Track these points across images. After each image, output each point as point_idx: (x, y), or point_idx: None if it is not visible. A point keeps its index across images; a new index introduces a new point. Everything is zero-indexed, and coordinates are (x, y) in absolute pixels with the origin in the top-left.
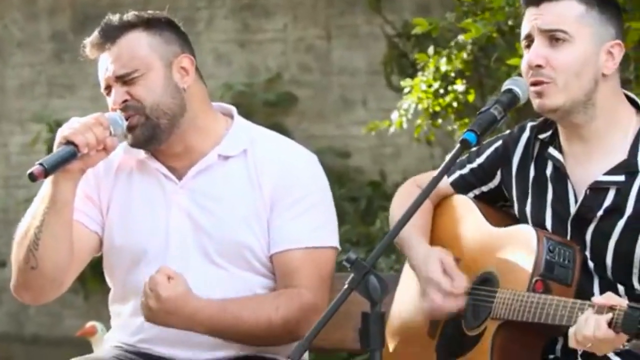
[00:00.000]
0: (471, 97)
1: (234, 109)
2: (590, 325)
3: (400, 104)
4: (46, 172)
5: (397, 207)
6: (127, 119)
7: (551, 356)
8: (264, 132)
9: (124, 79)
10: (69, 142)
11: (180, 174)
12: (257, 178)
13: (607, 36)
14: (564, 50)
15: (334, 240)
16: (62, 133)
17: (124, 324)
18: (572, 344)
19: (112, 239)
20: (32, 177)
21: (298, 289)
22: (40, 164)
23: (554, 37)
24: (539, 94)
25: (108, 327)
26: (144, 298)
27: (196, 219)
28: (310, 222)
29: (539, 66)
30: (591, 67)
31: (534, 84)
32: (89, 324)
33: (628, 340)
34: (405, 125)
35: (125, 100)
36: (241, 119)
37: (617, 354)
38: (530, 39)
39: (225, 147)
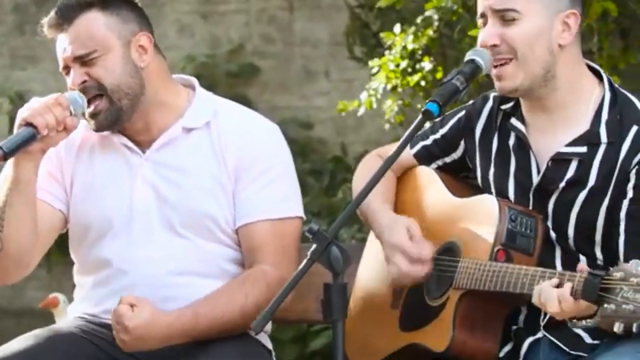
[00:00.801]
0: (439, 75)
1: (195, 81)
2: (552, 292)
3: (370, 84)
4: (5, 156)
5: (360, 178)
6: (89, 102)
7: (514, 327)
8: (227, 104)
9: (83, 60)
10: (28, 124)
11: (144, 147)
12: (221, 150)
13: (561, 6)
14: (516, 27)
15: (299, 210)
16: (21, 115)
17: (87, 295)
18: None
19: (77, 214)
20: None
21: (262, 266)
22: (0, 148)
23: (505, 17)
24: (499, 77)
25: (70, 298)
26: (115, 332)
27: (160, 191)
28: (275, 193)
29: (494, 46)
30: (545, 39)
31: (495, 67)
32: (52, 295)
33: (590, 317)
34: (375, 106)
35: (84, 81)
36: (203, 91)
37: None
38: (485, 18)
39: (188, 120)
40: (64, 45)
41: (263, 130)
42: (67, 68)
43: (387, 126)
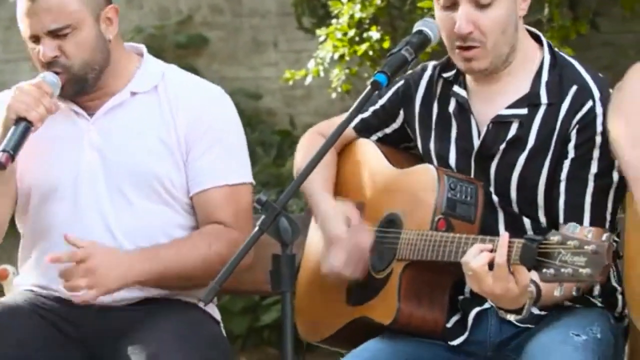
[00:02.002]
0: (386, 44)
1: (143, 47)
2: (478, 257)
3: (317, 53)
4: (13, 157)
5: (301, 157)
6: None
7: (460, 297)
8: (174, 69)
9: (56, 33)
10: (20, 118)
11: (92, 111)
12: (171, 114)
13: None
14: (491, 12)
15: (249, 176)
16: (12, 109)
17: (34, 265)
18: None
19: (24, 179)
20: (2, 166)
21: (222, 225)
22: (4, 151)
23: (479, 2)
24: (468, 59)
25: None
26: (72, 281)
27: (107, 155)
28: (228, 160)
29: (469, 33)
30: (513, 18)
31: (463, 48)
32: (1, 267)
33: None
34: (322, 74)
35: (56, 56)
36: (151, 57)
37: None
38: (455, 5)
39: (136, 84)
40: (35, 14)
41: (214, 97)
42: (35, 37)
43: (334, 95)
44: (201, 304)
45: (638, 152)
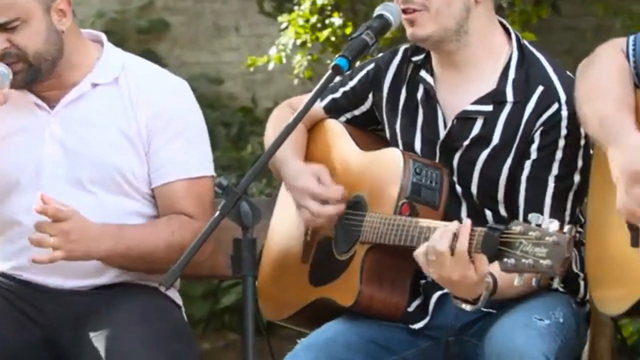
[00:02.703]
0: (348, 30)
1: (103, 36)
2: (446, 236)
3: (280, 39)
4: None
5: (271, 129)
6: (8, 66)
7: (422, 281)
8: (135, 60)
9: (4, 27)
10: None
11: (53, 103)
12: (132, 105)
13: None
14: None
15: (211, 169)
16: None
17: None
18: (420, 259)
19: None
20: None
21: (186, 216)
22: None
23: None
24: (411, 22)
25: None
26: (45, 242)
27: (68, 147)
28: (190, 152)
29: None
30: None
31: (406, 11)
32: None
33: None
34: (284, 61)
35: (6, 48)
36: (111, 46)
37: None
38: None
39: (97, 75)
40: None
41: (175, 89)
42: None
43: (295, 81)
44: (162, 289)
45: (588, 107)
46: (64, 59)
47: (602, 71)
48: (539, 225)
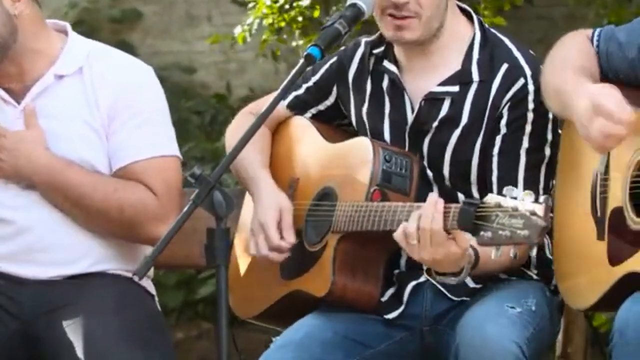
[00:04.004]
0: (316, 13)
1: (68, 26)
2: (413, 218)
3: (245, 19)
4: None
5: (232, 135)
6: None
7: (396, 271)
8: (100, 47)
9: None
10: None
11: (18, 97)
12: (94, 95)
13: None
14: None
15: (174, 149)
16: None
17: None
18: (402, 244)
19: None
20: None
21: (151, 193)
22: None
23: None
24: (399, 28)
25: None
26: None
27: None
28: (149, 134)
29: (405, 2)
30: None
31: (395, 16)
32: None
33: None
34: (248, 40)
35: None
36: (76, 36)
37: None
38: None
39: (60, 67)
40: None
41: (136, 72)
42: None
43: (262, 62)
44: (136, 278)
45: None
46: (21, 46)
47: (567, 51)
48: (514, 198)
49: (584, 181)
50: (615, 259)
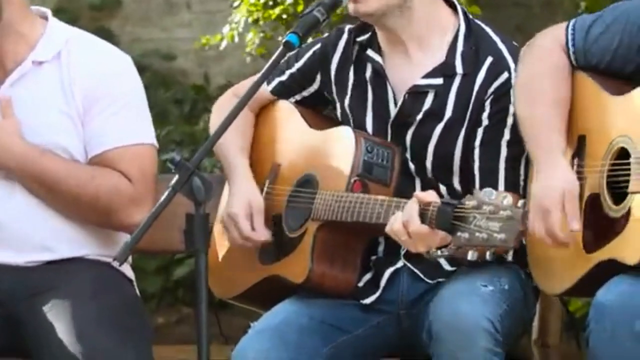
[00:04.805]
0: (300, 8)
1: (48, 11)
2: (398, 219)
3: (232, 17)
4: None
5: (216, 117)
6: None
7: (373, 257)
8: (79, 33)
9: None
10: None
11: None
12: (70, 83)
13: None
14: None
15: (151, 137)
16: None
17: None
18: (392, 235)
19: None
20: None
21: (126, 179)
22: None
23: None
24: (356, 0)
25: None
26: None
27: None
28: (125, 122)
29: None
30: None
31: None
32: None
33: (445, 246)
34: (237, 39)
35: None
36: (56, 22)
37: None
38: None
39: (39, 53)
40: None
41: (114, 61)
42: None
43: (248, 59)
44: (115, 264)
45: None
46: (6, 27)
47: (538, 69)
48: (493, 200)
49: None
50: (590, 246)
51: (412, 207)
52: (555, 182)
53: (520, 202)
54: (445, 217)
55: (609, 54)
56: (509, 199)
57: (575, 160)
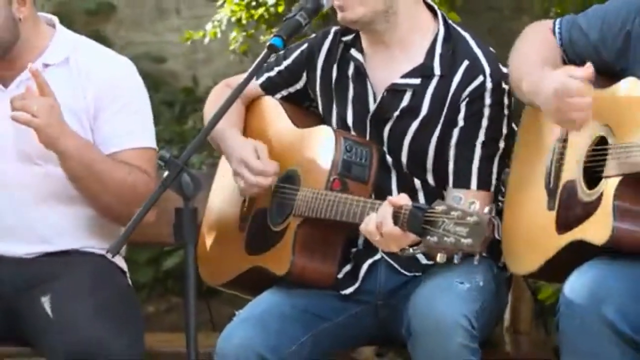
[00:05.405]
0: (281, 8)
1: (55, 19)
2: (372, 220)
3: (216, 16)
4: None
5: (210, 106)
6: None
7: (354, 249)
8: (86, 42)
9: None
10: None
11: (7, 82)
12: (82, 85)
13: None
14: None
15: (154, 143)
16: None
17: None
18: (366, 235)
19: None
20: None
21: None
22: None
23: None
24: (341, 8)
25: None
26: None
27: (20, 125)
28: (135, 125)
29: None
30: None
31: None
32: None
33: (417, 244)
34: (219, 36)
35: None
36: (63, 29)
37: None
38: None
39: (48, 56)
40: None
41: (122, 68)
42: None
43: (232, 57)
44: (109, 256)
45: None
46: (20, 43)
47: (530, 44)
48: (461, 206)
49: (541, 158)
50: (562, 228)
51: (385, 210)
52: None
53: (487, 209)
54: (416, 221)
55: (591, 45)
56: (476, 205)
57: (561, 143)
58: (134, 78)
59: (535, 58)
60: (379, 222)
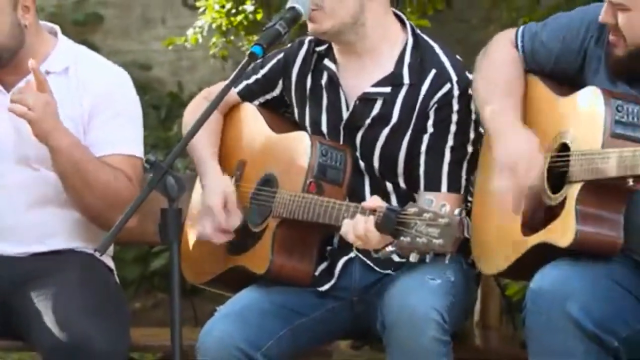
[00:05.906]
0: (259, 16)
1: (57, 28)
2: (360, 227)
3: (197, 22)
4: None
5: (189, 117)
6: None
7: (329, 247)
8: (86, 52)
9: None
10: None
11: (9, 87)
12: (79, 94)
13: None
14: None
15: (142, 152)
16: None
17: None
18: (348, 239)
19: None
20: None
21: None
22: None
23: None
24: (311, 20)
25: None
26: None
27: (19, 127)
28: (125, 133)
29: None
30: None
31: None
32: None
33: (390, 244)
34: (200, 41)
35: None
36: (64, 38)
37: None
38: None
39: (50, 64)
40: None
41: (117, 78)
42: None
43: (214, 62)
44: (97, 255)
45: (484, 103)
46: (24, 50)
47: (494, 65)
48: (433, 208)
49: None
50: (528, 230)
51: (369, 220)
52: (519, 144)
53: (457, 211)
54: (390, 222)
55: (552, 57)
56: (447, 207)
57: None
58: (129, 89)
59: (501, 85)
60: (354, 223)
